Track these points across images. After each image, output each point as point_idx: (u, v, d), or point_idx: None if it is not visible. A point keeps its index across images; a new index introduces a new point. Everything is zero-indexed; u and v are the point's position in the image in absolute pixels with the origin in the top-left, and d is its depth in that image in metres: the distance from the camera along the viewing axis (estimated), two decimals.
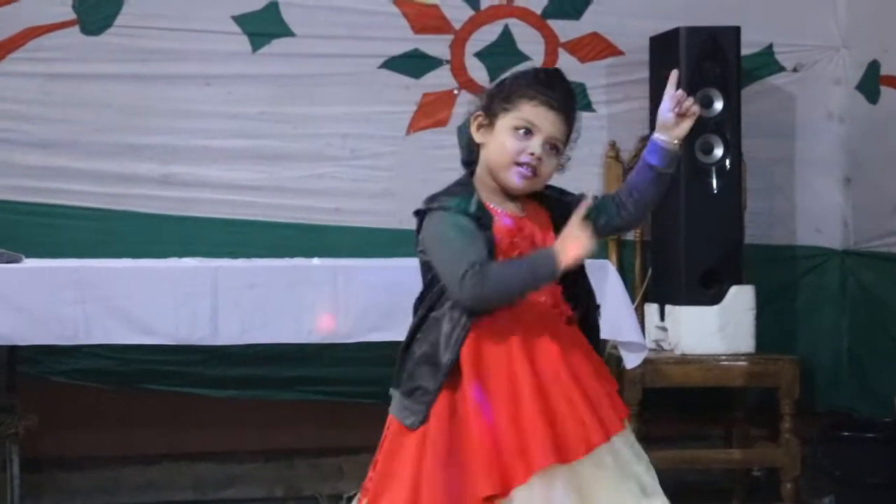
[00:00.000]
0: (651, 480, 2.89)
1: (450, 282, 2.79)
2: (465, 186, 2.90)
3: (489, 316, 2.82)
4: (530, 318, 2.84)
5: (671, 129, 2.95)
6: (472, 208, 2.83)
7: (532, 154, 2.84)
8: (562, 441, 2.74)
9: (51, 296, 4.01)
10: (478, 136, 2.91)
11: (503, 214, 2.88)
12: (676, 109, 2.94)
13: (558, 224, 2.87)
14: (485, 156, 2.90)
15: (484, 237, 2.81)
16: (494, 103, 2.89)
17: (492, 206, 2.88)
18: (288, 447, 4.98)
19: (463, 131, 2.96)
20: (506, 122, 2.86)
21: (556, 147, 2.88)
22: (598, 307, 3.00)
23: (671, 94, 2.95)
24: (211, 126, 4.87)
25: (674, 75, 2.98)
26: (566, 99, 2.89)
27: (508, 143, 2.85)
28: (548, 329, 2.84)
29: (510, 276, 2.77)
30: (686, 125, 2.95)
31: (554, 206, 2.95)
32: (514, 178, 2.86)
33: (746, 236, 4.94)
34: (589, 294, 2.98)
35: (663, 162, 2.96)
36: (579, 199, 2.91)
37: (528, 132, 2.85)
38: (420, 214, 2.89)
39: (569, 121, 2.89)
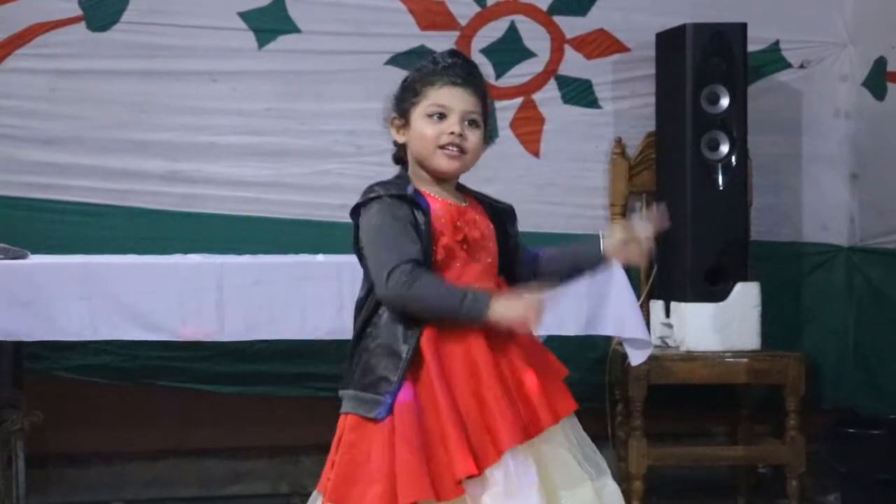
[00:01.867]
0: (602, 461, 2.93)
1: (377, 272, 2.79)
2: (400, 178, 2.94)
3: None
4: None
5: (622, 249, 2.97)
6: (409, 191, 2.86)
7: (452, 133, 2.87)
8: (523, 422, 2.78)
9: (56, 292, 4.01)
10: (399, 138, 2.96)
11: (443, 202, 2.90)
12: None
13: (495, 225, 2.94)
14: (412, 151, 2.94)
15: (421, 225, 2.82)
16: (404, 101, 2.94)
17: (430, 194, 2.90)
18: (293, 443, 4.98)
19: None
20: (418, 113, 2.90)
21: (475, 121, 2.91)
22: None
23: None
24: (217, 122, 4.87)
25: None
26: (469, 73, 2.93)
27: (427, 130, 2.89)
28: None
29: (435, 296, 2.77)
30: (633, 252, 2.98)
31: (489, 208, 2.98)
32: (443, 161, 2.89)
33: (752, 233, 4.94)
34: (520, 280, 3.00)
35: (595, 267, 3.02)
36: (509, 208, 2.98)
37: (442, 115, 2.89)
38: (356, 210, 2.90)
39: (479, 93, 2.92)
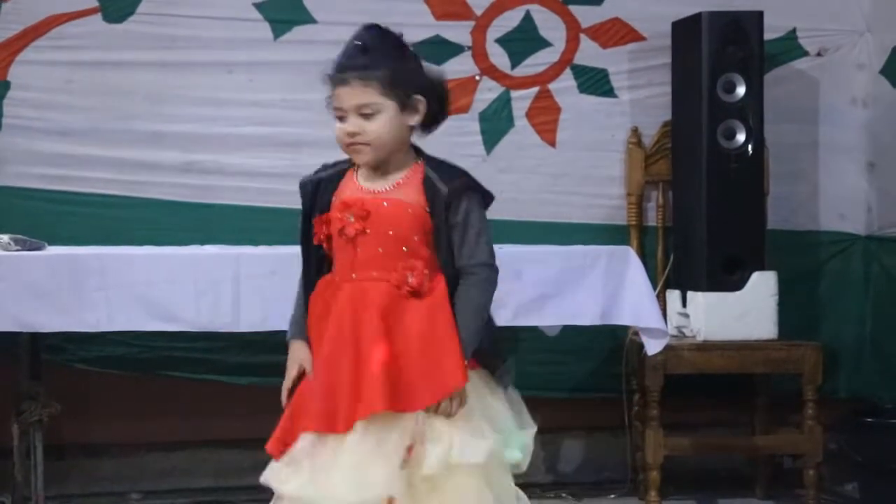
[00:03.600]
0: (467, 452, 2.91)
1: None
2: (342, 161, 3.03)
3: (325, 285, 2.99)
4: (355, 291, 2.93)
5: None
6: (315, 176, 3.01)
7: (348, 133, 2.92)
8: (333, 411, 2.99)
9: (73, 283, 4.03)
10: None
11: (357, 189, 2.97)
12: None
13: (433, 207, 2.93)
14: None
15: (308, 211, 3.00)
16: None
17: (360, 183, 2.97)
18: None
19: None
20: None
21: (368, 112, 2.90)
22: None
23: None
24: (233, 113, 4.88)
25: None
26: (348, 63, 2.91)
27: (337, 133, 2.95)
28: (372, 303, 2.90)
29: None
30: None
31: (429, 189, 2.95)
32: (356, 157, 2.96)
33: (769, 222, 4.92)
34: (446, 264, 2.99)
35: None
36: (446, 192, 2.94)
37: (342, 117, 2.93)
38: None
39: (370, 78, 2.89)
